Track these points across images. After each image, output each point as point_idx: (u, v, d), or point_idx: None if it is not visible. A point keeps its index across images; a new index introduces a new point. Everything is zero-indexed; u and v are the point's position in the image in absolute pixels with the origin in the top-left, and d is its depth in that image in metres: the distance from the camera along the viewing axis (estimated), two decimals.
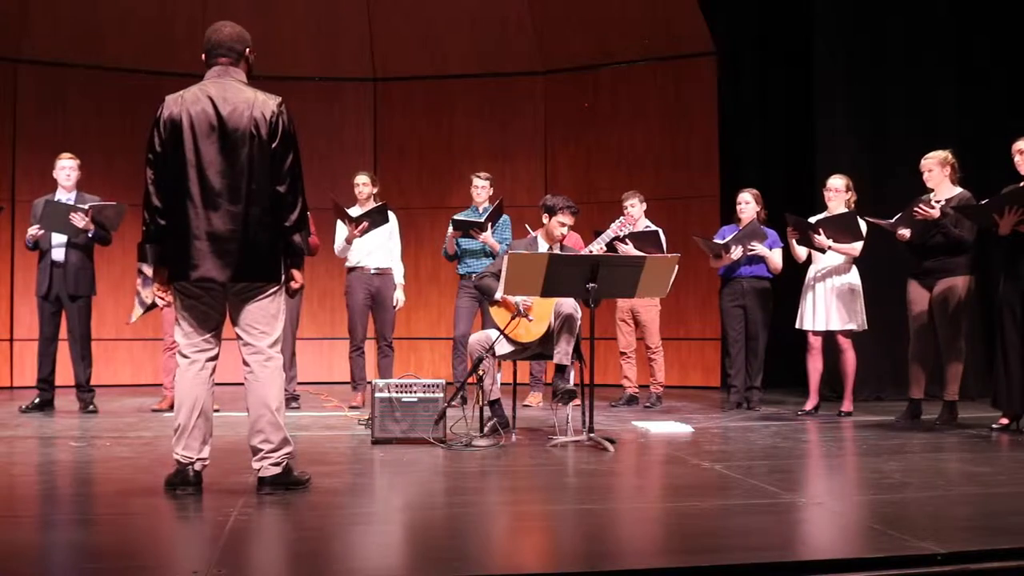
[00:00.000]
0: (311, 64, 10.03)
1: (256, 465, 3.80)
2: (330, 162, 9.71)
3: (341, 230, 7.40)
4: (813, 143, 8.22)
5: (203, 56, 3.92)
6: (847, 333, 6.64)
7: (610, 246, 6.66)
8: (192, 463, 3.78)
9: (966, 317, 6.12)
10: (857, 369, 6.80)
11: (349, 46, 10.18)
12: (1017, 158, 5.64)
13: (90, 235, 6.82)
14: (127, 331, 9.51)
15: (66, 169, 6.93)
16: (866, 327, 6.67)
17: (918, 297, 6.20)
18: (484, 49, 10.10)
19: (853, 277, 6.64)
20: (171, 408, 6.72)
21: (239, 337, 3.85)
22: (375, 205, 7.34)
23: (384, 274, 7.44)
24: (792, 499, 3.77)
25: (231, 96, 3.79)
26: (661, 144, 9.53)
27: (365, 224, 7.18)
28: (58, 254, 6.82)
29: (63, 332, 6.96)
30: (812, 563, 2.76)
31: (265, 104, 3.80)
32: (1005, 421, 5.65)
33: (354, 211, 7.36)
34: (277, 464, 3.80)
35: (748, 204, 7.04)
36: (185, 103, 3.78)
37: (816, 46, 8.29)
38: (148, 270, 7.16)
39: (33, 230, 6.80)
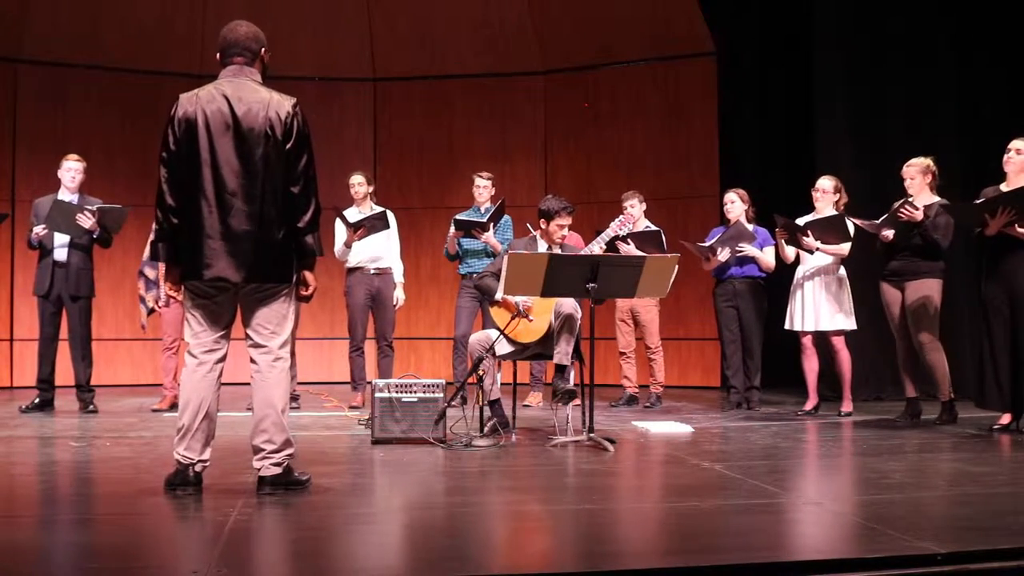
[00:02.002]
0: (311, 64, 10.03)
1: (257, 464, 3.80)
2: (330, 162, 9.68)
3: (340, 233, 7.39)
4: (813, 143, 8.22)
5: (217, 55, 3.93)
6: (838, 333, 6.65)
7: (611, 246, 6.67)
8: (192, 464, 3.78)
9: (939, 319, 6.16)
10: (856, 369, 6.82)
11: (349, 46, 10.18)
12: (1011, 155, 5.66)
13: (94, 236, 6.82)
14: (127, 331, 9.52)
15: (72, 171, 6.93)
16: (855, 327, 6.68)
17: (892, 299, 6.26)
18: (484, 49, 10.10)
19: (841, 277, 6.65)
20: (171, 408, 6.79)
21: (248, 337, 3.86)
22: (375, 211, 7.34)
23: (384, 274, 7.44)
24: (792, 499, 3.78)
25: (246, 96, 3.78)
26: (661, 144, 9.53)
27: (363, 229, 7.18)
28: (60, 254, 6.82)
29: (63, 332, 6.96)
30: (812, 563, 2.76)
31: (280, 104, 3.80)
32: (1005, 421, 5.65)
33: (351, 212, 7.36)
34: (278, 464, 3.80)
35: (734, 204, 7.04)
36: (200, 102, 3.77)
37: (816, 46, 8.29)
38: (151, 273, 7.17)
39: (38, 230, 6.80)
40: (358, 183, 7.51)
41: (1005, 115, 7.54)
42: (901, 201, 6.09)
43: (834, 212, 6.61)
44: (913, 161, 6.24)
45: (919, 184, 6.19)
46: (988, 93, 7.99)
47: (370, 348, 7.63)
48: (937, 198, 6.17)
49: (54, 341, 6.95)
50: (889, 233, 6.14)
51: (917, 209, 6.00)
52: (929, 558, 2.75)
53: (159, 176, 3.80)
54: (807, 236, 6.56)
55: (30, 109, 9.41)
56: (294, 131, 3.80)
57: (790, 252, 6.82)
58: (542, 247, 5.74)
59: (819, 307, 6.63)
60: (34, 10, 9.28)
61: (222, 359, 3.87)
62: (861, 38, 8.20)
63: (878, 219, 6.26)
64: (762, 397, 7.19)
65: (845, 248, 6.58)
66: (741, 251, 6.90)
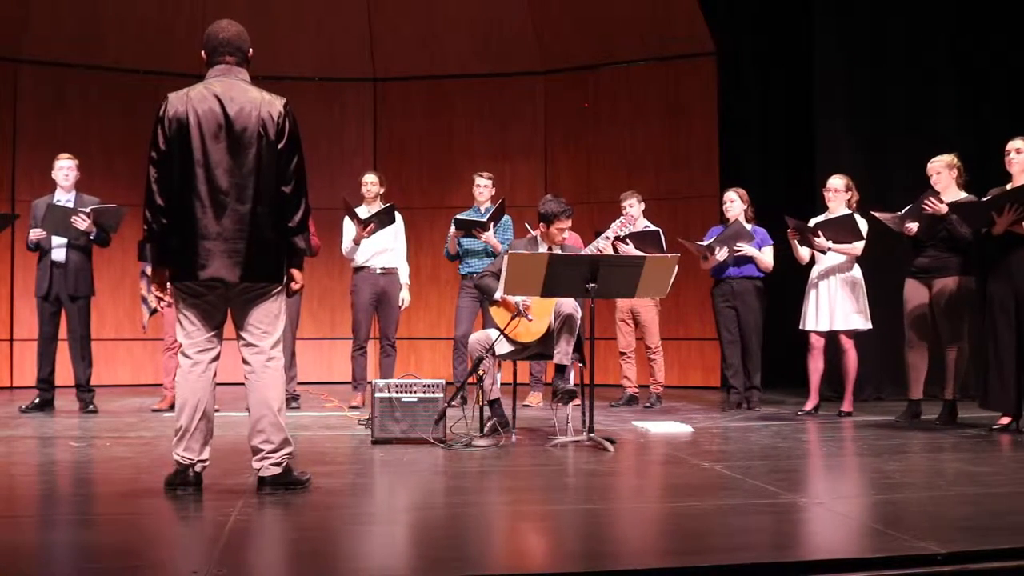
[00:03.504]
0: (311, 64, 10.04)
1: (256, 465, 3.80)
2: (330, 162, 9.71)
3: (349, 230, 7.40)
4: (813, 143, 8.22)
5: (203, 54, 3.90)
6: (850, 333, 6.64)
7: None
8: (192, 464, 3.78)
9: (968, 317, 6.12)
10: (858, 369, 6.80)
11: (349, 46, 10.18)
12: (1012, 155, 5.66)
13: (91, 237, 6.82)
14: (127, 331, 9.53)
15: (64, 169, 6.91)
16: (870, 326, 6.66)
17: (915, 295, 6.21)
18: (484, 49, 10.10)
19: (856, 276, 6.64)
20: (171, 408, 6.78)
21: (240, 337, 3.85)
22: (382, 206, 7.34)
23: (390, 274, 7.45)
24: (792, 499, 3.77)
25: (237, 96, 3.78)
26: (661, 144, 9.53)
27: (372, 225, 7.18)
28: (59, 254, 6.81)
29: (63, 332, 6.95)
30: (812, 563, 2.76)
31: (272, 104, 3.80)
32: (1005, 421, 5.64)
33: (361, 211, 7.37)
34: (277, 464, 3.80)
35: (734, 203, 7.04)
36: (191, 101, 3.76)
37: (816, 46, 8.29)
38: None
39: (35, 233, 6.79)
40: (371, 182, 7.51)
41: (1005, 115, 7.54)
42: (926, 192, 6.04)
43: (847, 211, 6.59)
44: (936, 158, 6.18)
45: (945, 180, 6.11)
46: (988, 93, 7.99)
47: (372, 348, 7.63)
48: (964, 194, 6.09)
49: (53, 341, 6.95)
50: (913, 226, 6.09)
51: (942, 202, 5.96)
52: (929, 558, 2.75)
53: (148, 176, 3.78)
54: (818, 237, 6.55)
55: (30, 109, 9.41)
56: (286, 131, 3.80)
57: (804, 253, 6.81)
58: (543, 247, 5.73)
59: (834, 307, 6.61)
60: (34, 10, 9.28)
61: (216, 358, 3.86)
62: (861, 38, 8.20)
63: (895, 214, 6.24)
64: (762, 397, 7.19)
65: (858, 247, 6.56)
66: (739, 251, 6.90)
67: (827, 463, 4.94)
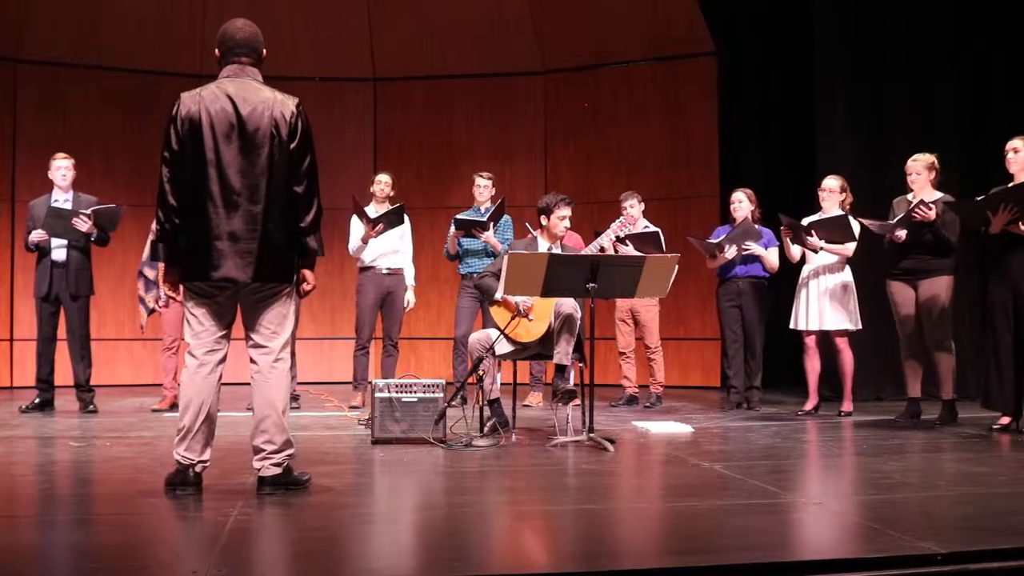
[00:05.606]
0: (311, 64, 10.03)
1: (257, 465, 3.81)
2: (330, 162, 9.68)
3: (356, 230, 7.40)
4: (813, 143, 8.22)
5: (217, 53, 3.90)
6: (842, 333, 6.65)
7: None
8: (193, 465, 3.78)
9: (953, 317, 6.15)
10: (856, 369, 6.81)
11: (349, 46, 10.18)
12: (1010, 155, 5.68)
13: (92, 238, 6.82)
14: (127, 331, 9.52)
15: (61, 169, 6.90)
16: (860, 326, 6.67)
17: (903, 298, 6.23)
18: (484, 49, 10.10)
19: (846, 277, 6.65)
20: (171, 408, 6.79)
21: (249, 337, 3.85)
22: (392, 206, 7.35)
23: (396, 274, 7.46)
24: (792, 499, 3.78)
25: (250, 96, 3.78)
26: (661, 144, 9.53)
27: (381, 225, 7.20)
28: (59, 254, 6.81)
29: (61, 332, 6.95)
30: (812, 563, 2.76)
31: (284, 104, 3.80)
32: (1005, 421, 5.64)
33: (369, 210, 7.38)
34: (278, 464, 3.80)
35: (742, 203, 7.04)
36: (203, 101, 3.75)
37: (816, 46, 8.29)
38: (150, 273, 7.16)
39: (37, 235, 6.77)
40: (384, 182, 7.55)
41: (1005, 115, 7.53)
42: (917, 201, 6.05)
43: (840, 212, 6.60)
44: (918, 156, 6.23)
45: (923, 180, 6.16)
46: (988, 93, 7.98)
47: (374, 348, 7.63)
48: (940, 193, 6.15)
49: (52, 341, 6.94)
50: (902, 233, 6.12)
51: (931, 208, 5.98)
52: (929, 558, 2.75)
53: (161, 176, 3.78)
54: (811, 235, 6.56)
55: (30, 109, 9.40)
56: (299, 131, 3.80)
57: (796, 251, 6.81)
58: (543, 247, 5.73)
59: (824, 307, 6.62)
60: (34, 10, 9.28)
61: (223, 360, 3.86)
62: (861, 38, 8.20)
63: (882, 219, 6.25)
64: (762, 397, 7.19)
65: (850, 248, 6.57)
66: (747, 249, 6.90)
67: (827, 463, 4.94)
